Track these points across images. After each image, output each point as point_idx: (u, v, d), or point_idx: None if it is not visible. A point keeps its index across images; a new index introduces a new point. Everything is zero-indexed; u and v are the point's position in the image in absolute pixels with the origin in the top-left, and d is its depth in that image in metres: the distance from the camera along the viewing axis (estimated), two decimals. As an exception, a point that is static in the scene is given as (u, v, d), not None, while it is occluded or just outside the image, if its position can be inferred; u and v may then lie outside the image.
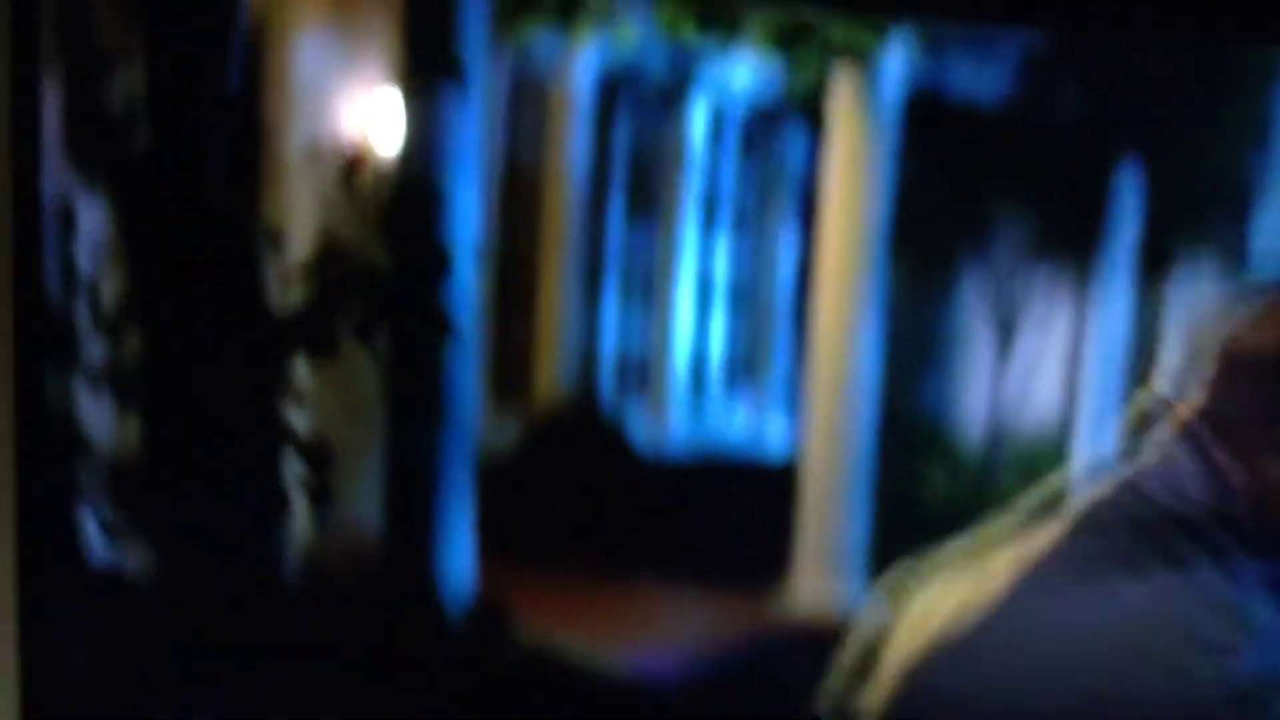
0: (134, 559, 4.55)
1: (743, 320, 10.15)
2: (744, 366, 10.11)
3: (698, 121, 9.74)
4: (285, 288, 4.92)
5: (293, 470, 4.83)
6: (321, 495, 4.86)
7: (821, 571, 6.67)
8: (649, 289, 9.74)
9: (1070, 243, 8.75)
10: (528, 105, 8.98)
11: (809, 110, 9.08)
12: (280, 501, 4.77)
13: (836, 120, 7.20)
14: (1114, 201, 8.69)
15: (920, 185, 8.58)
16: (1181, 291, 9.68)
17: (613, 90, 9.26)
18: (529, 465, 8.24)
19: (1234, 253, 9.12)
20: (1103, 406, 9.22)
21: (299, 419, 4.97)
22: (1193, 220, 8.86)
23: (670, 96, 9.45)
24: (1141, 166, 8.69)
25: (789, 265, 10.05)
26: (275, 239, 4.77)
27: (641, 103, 9.58)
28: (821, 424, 6.79)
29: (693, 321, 9.87)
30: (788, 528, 6.83)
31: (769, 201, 10.03)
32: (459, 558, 5.24)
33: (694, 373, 9.91)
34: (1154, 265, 9.37)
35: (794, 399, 9.78)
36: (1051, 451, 9.73)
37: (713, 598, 6.90)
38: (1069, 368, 10.32)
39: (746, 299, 10.12)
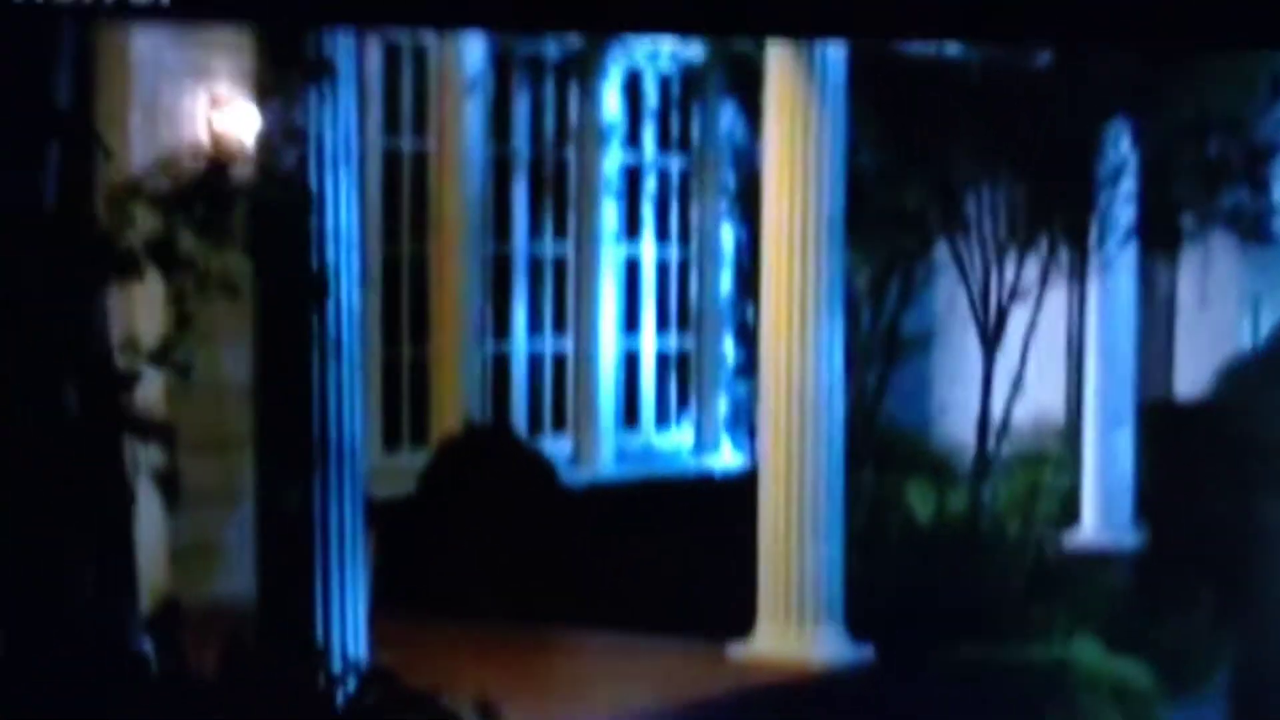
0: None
1: (679, 329, 9.83)
2: (683, 380, 9.77)
3: (611, 99, 9.41)
4: (134, 307, 4.71)
5: (144, 461, 4.61)
6: (171, 483, 4.60)
7: (788, 616, 6.32)
8: (564, 293, 9.41)
9: (1064, 214, 8.48)
10: (411, 96, 8.63)
11: (742, 83, 8.75)
12: (129, 544, 4.54)
13: (774, 93, 7.03)
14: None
15: (880, 158, 8.26)
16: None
17: (507, 64, 8.90)
18: (430, 505, 7.83)
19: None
20: (1113, 401, 8.89)
21: (150, 456, 4.72)
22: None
23: (576, 67, 9.05)
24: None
25: (729, 263, 9.75)
26: (124, 256, 4.63)
27: (543, 77, 9.21)
28: (779, 445, 6.29)
29: (619, 326, 9.53)
30: (745, 568, 6.62)
31: (701, 191, 9.70)
32: (347, 615, 4.91)
33: (624, 390, 9.57)
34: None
35: (745, 418, 9.46)
36: (1055, 464, 9.41)
37: (659, 653, 6.51)
38: (1071, 357, 10.01)
39: (680, 300, 9.80)
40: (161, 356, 4.69)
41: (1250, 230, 9.01)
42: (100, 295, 4.53)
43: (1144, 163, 8.58)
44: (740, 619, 6.55)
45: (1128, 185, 8.52)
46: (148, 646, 4.46)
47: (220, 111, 6.82)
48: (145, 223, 4.62)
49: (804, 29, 4.82)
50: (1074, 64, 7.71)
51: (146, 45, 6.56)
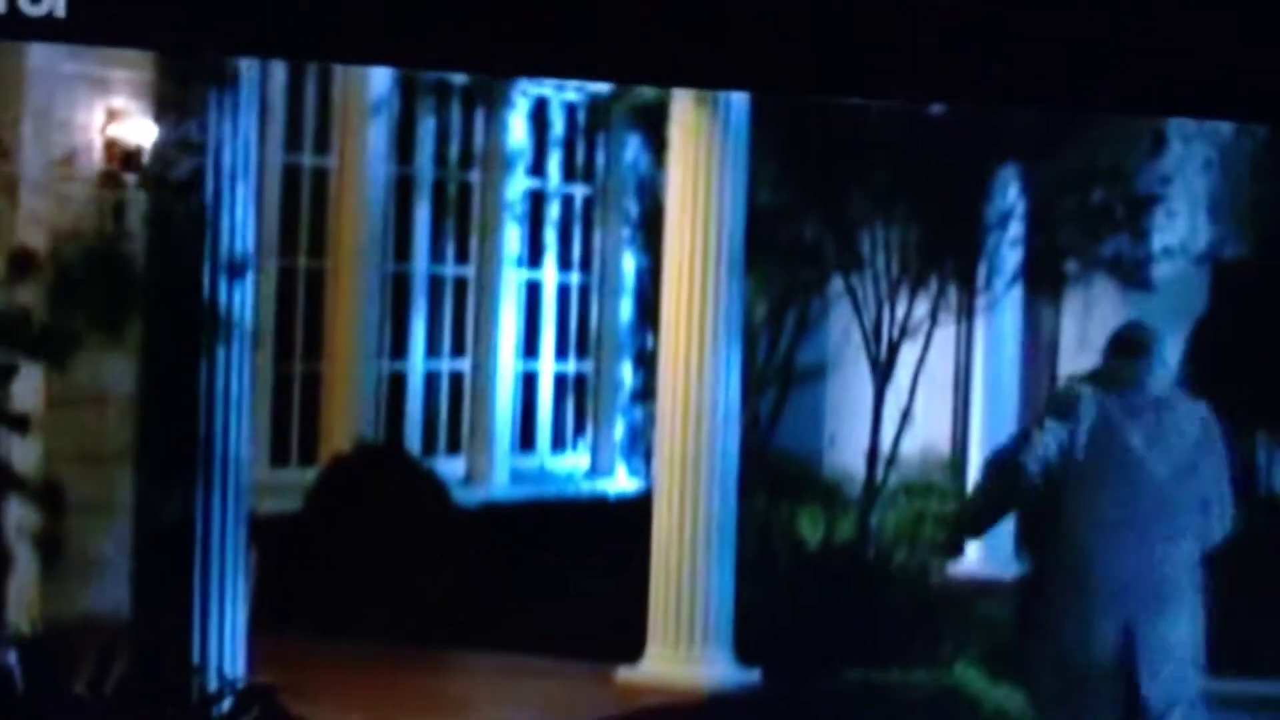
0: None
1: (578, 354, 9.74)
2: (580, 404, 9.68)
3: (517, 126, 9.35)
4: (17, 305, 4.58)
5: (17, 518, 4.41)
6: (53, 545, 4.43)
7: (678, 639, 6.22)
8: (464, 314, 9.29)
9: (954, 255, 8.59)
10: (314, 113, 8.49)
11: (647, 119, 8.76)
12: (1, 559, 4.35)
13: (678, 126, 7.03)
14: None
15: (780, 196, 8.31)
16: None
17: (413, 87, 8.79)
18: (318, 523, 7.64)
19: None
20: (998, 435, 9.00)
21: (24, 464, 4.52)
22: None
23: (483, 93, 8.98)
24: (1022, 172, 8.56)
25: (629, 290, 9.70)
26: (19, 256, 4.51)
27: (449, 101, 9.11)
28: (674, 470, 6.18)
29: (518, 349, 9.42)
30: (637, 589, 6.30)
31: (604, 219, 9.65)
32: (226, 632, 4.74)
33: (521, 412, 9.46)
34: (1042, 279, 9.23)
35: (641, 443, 9.39)
36: (941, 494, 9.49)
37: (548, 675, 6.34)
38: (958, 392, 10.13)
39: (580, 325, 9.73)
40: (36, 351, 4.52)
41: (1130, 276, 9.17)
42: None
43: (1030, 209, 8.71)
44: (630, 643, 6.47)
45: (1015, 230, 8.62)
46: (14, 661, 4.27)
47: (117, 123, 6.66)
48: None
49: (706, 81, 4.82)
50: (967, 115, 7.84)
51: (41, 54, 6.36)
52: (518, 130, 8.75)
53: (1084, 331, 9.94)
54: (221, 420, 4.84)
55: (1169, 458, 4.51)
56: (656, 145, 8.03)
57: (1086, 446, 4.45)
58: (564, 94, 8.97)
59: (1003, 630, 5.90)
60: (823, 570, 7.56)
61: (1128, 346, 4.66)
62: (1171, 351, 9.66)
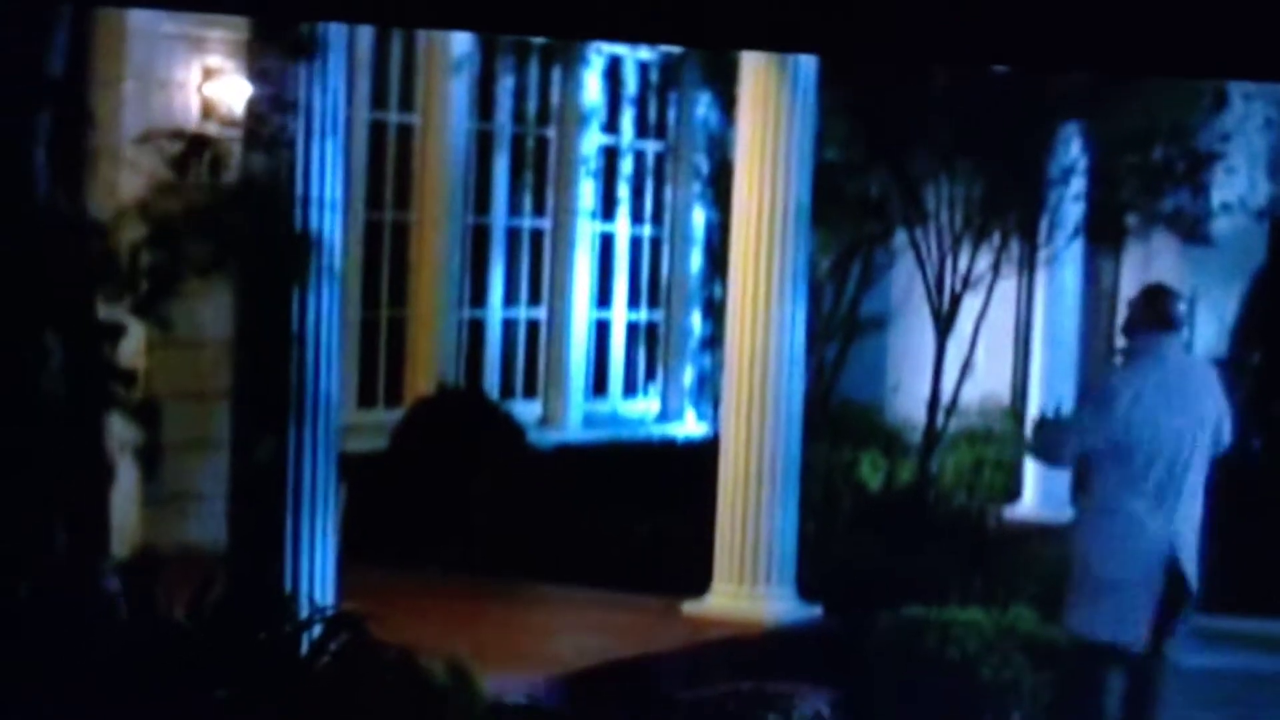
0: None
1: (649, 304, 9.74)
2: (651, 351, 9.70)
3: (592, 84, 9.32)
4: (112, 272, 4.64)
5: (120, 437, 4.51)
6: (151, 463, 4.50)
7: (743, 576, 6.12)
8: (540, 265, 9.31)
9: (1016, 210, 8.50)
10: (398, 72, 8.51)
11: (717, 77, 8.68)
12: (105, 490, 4.44)
13: (748, 87, 6.97)
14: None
15: (847, 152, 8.23)
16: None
17: (492, 47, 8.78)
18: (402, 461, 7.72)
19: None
20: (1057, 385, 8.92)
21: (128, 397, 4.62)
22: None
23: (560, 52, 8.95)
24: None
25: (699, 243, 9.68)
26: (103, 226, 4.58)
27: (527, 60, 9.10)
28: (740, 416, 6.20)
29: (592, 299, 9.44)
30: (705, 527, 6.24)
31: (676, 174, 9.61)
32: (317, 564, 4.82)
33: (594, 359, 9.50)
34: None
35: (709, 389, 9.39)
36: (999, 442, 9.42)
37: (618, 607, 6.37)
38: (1018, 343, 10.07)
39: (651, 276, 9.72)
40: (143, 309, 4.60)
41: (1189, 231, 9.07)
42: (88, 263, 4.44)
43: (1092, 165, 8.61)
44: (697, 579, 6.50)
45: (1077, 185, 8.53)
46: (117, 589, 4.37)
47: (213, 81, 6.73)
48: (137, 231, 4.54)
49: (776, 43, 4.79)
50: (1030, 74, 7.74)
51: (141, 15, 6.43)
52: (593, 88, 8.74)
53: (1143, 284, 9.82)
54: (312, 363, 4.91)
55: (1188, 409, 5.36)
56: (726, 102, 7.99)
57: (1124, 422, 5.27)
58: (638, 53, 8.94)
59: (1056, 572, 5.89)
60: (883, 513, 7.56)
61: (1155, 318, 5.43)
62: (1227, 306, 9.57)
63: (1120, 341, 5.75)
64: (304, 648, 4.56)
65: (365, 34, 7.65)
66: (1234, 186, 9.41)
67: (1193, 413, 5.33)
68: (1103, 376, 6.30)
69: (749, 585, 6.42)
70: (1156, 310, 5.42)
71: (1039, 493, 8.80)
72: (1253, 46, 3.21)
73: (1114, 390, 5.29)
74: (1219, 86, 8.82)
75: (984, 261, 8.19)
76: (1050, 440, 5.54)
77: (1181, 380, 5.34)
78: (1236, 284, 9.83)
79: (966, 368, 8.20)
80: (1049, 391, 8.54)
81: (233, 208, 4.79)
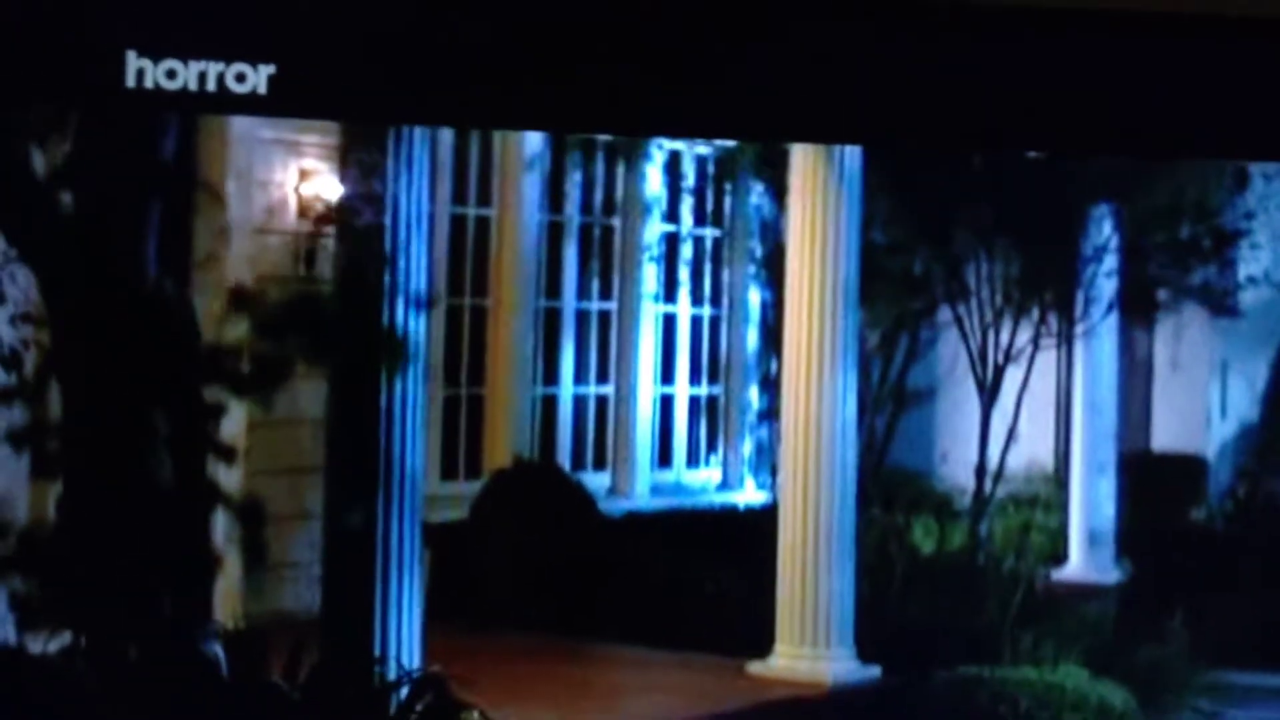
0: (47, 638, 4.26)
1: (709, 379, 9.74)
2: (712, 424, 9.68)
3: (653, 177, 9.42)
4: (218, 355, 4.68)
5: (224, 528, 4.54)
6: (255, 552, 4.55)
7: (804, 638, 6.17)
8: (608, 345, 9.35)
9: (1053, 286, 8.47)
10: (477, 169, 8.64)
11: (769, 168, 8.78)
12: (209, 563, 4.46)
13: (798, 176, 7.05)
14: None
15: (891, 233, 8.25)
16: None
17: (562, 145, 8.91)
18: (482, 529, 7.73)
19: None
20: (1097, 451, 8.83)
21: (228, 479, 4.65)
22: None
23: (623, 149, 9.08)
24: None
25: (755, 321, 9.70)
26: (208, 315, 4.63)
27: (594, 153, 9.22)
28: (797, 484, 6.28)
29: (656, 375, 9.46)
30: (766, 590, 6.32)
31: (732, 258, 9.66)
32: (404, 627, 4.83)
33: (659, 432, 9.49)
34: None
35: (767, 459, 9.36)
36: (1045, 505, 9.32)
37: (685, 667, 6.37)
38: (1059, 411, 10.01)
39: (711, 353, 9.73)
40: (246, 391, 4.64)
41: (1218, 303, 9.00)
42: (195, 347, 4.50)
43: (1123, 243, 8.59)
44: (759, 640, 6.43)
45: (1110, 262, 8.51)
46: (220, 653, 4.37)
47: (308, 181, 6.85)
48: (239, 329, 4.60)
49: (822, 135, 4.85)
50: (1064, 158, 7.76)
51: (243, 121, 6.56)
52: (654, 181, 8.83)
53: (1175, 354, 9.75)
54: (399, 439, 4.94)
55: None
56: (777, 191, 8.05)
57: None
58: (695, 148, 9.02)
59: (1103, 631, 5.78)
60: (936, 575, 7.46)
61: None
62: (1258, 373, 9.49)
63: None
64: (392, 708, 4.53)
65: (446, 135, 7.76)
66: (1259, 261, 9.34)
67: None
68: None
69: (810, 646, 6.35)
70: None
71: (1084, 556, 8.68)
72: (1270, 129, 3.21)
73: None
74: (1241, 167, 8.81)
75: (1024, 335, 8.16)
76: None
77: None
78: (1265, 352, 9.71)
79: (1011, 435, 8.14)
80: (1090, 457, 8.46)
81: (326, 296, 4.85)
